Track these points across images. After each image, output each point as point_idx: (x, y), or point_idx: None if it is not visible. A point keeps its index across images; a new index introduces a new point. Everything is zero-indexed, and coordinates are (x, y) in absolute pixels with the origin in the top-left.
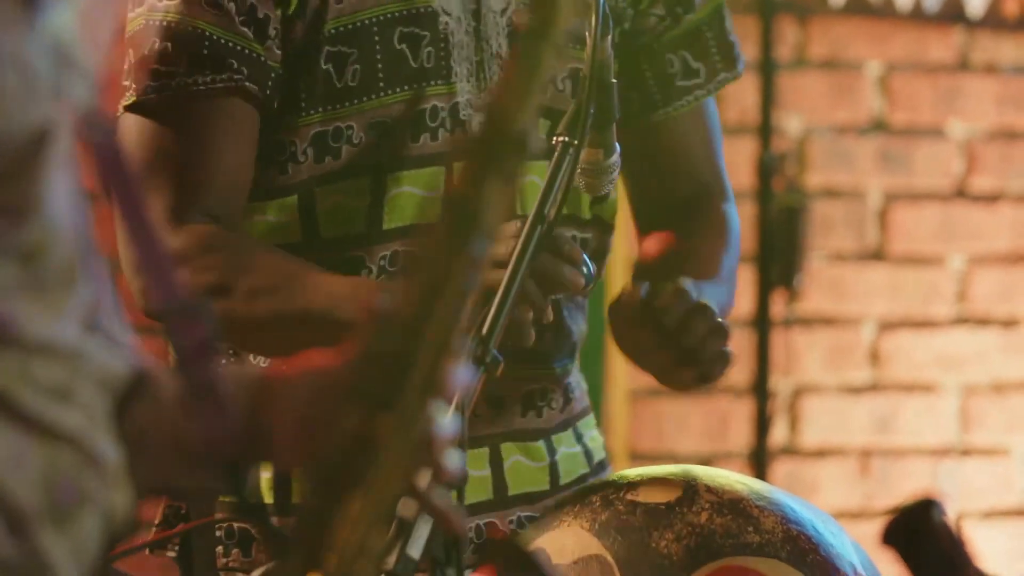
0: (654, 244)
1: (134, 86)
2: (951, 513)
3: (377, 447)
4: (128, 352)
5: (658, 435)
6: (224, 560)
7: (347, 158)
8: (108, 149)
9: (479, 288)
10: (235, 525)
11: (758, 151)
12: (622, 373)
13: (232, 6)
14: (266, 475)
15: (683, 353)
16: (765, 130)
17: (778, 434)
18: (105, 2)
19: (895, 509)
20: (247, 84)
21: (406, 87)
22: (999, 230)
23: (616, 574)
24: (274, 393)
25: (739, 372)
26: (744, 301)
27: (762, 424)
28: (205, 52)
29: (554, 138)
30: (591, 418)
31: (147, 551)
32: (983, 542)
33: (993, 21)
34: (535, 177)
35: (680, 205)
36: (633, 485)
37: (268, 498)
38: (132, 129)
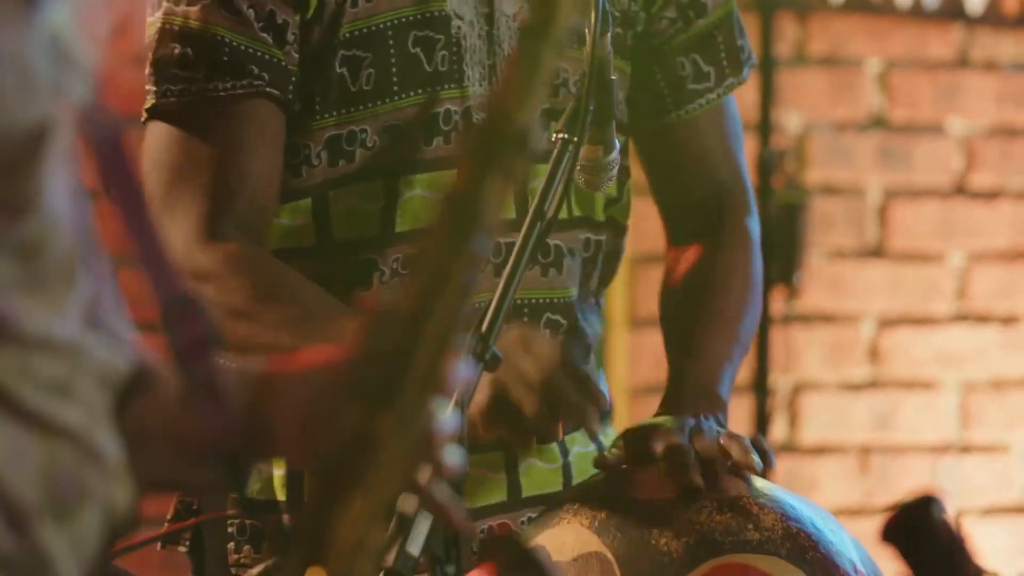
0: (679, 273)
1: (154, 89)
2: (951, 510)
3: (377, 444)
4: (129, 348)
5: None
6: (235, 556)
7: (360, 161)
8: (108, 145)
9: (478, 285)
10: (247, 521)
11: (758, 148)
12: (621, 370)
13: (251, 12)
14: (279, 472)
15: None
16: (765, 127)
17: (778, 431)
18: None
19: (895, 506)
20: (268, 89)
21: (420, 91)
22: (999, 227)
23: (616, 571)
24: (277, 390)
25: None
26: None
27: (761, 421)
28: (225, 59)
29: (553, 135)
30: (606, 414)
31: (158, 545)
32: (983, 539)
33: (993, 18)
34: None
35: (703, 209)
36: (633, 482)
37: (280, 495)
38: (159, 137)
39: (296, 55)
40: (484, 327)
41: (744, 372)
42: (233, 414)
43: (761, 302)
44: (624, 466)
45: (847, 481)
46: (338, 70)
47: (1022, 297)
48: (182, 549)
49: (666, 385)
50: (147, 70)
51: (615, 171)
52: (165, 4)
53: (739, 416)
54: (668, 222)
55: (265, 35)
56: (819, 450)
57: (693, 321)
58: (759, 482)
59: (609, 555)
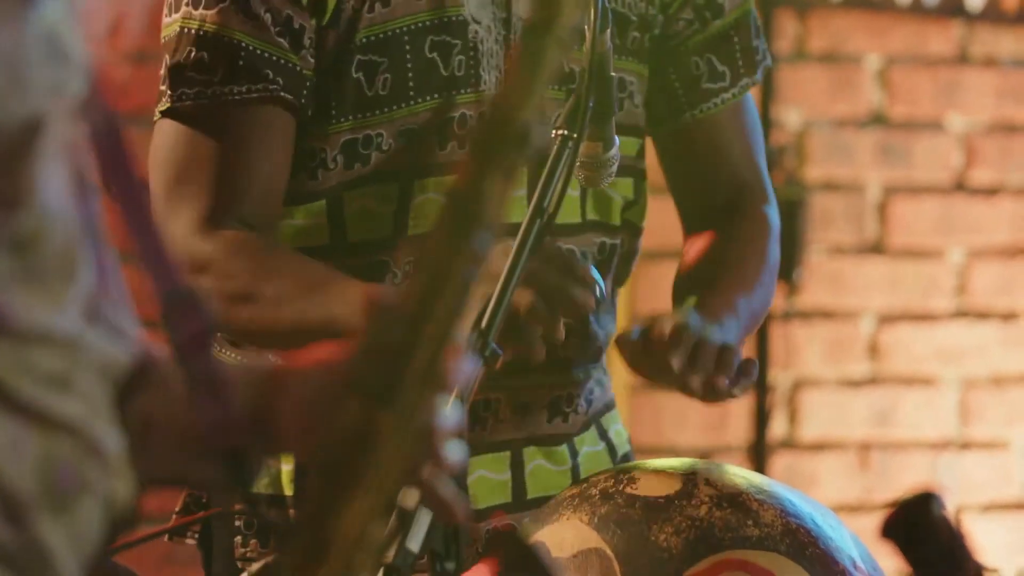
0: (694, 250)
1: (169, 92)
2: (950, 506)
3: (377, 439)
4: (131, 342)
5: (657, 429)
6: (242, 550)
7: (375, 164)
8: (106, 140)
9: (480, 281)
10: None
11: None
12: (621, 367)
13: (268, 17)
14: (287, 468)
15: (692, 388)
16: (764, 123)
17: (777, 427)
18: None
19: (894, 502)
20: (283, 94)
21: (436, 95)
22: (998, 223)
23: (615, 567)
24: (282, 386)
25: None
26: None
27: (761, 417)
28: (241, 63)
29: (553, 132)
30: (615, 412)
31: (166, 537)
32: (982, 535)
33: (992, 14)
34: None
35: (722, 206)
36: (632, 479)
37: (288, 490)
38: (167, 135)
39: (312, 60)
40: (484, 324)
41: None
42: (234, 409)
43: (775, 286)
44: (641, 346)
45: (847, 477)
46: (354, 75)
47: (1022, 293)
48: (191, 541)
49: None
50: (162, 72)
51: (615, 168)
52: (183, 7)
53: (739, 413)
54: (688, 223)
55: (281, 40)
56: (819, 446)
57: (704, 285)
58: (758, 478)
59: (609, 551)
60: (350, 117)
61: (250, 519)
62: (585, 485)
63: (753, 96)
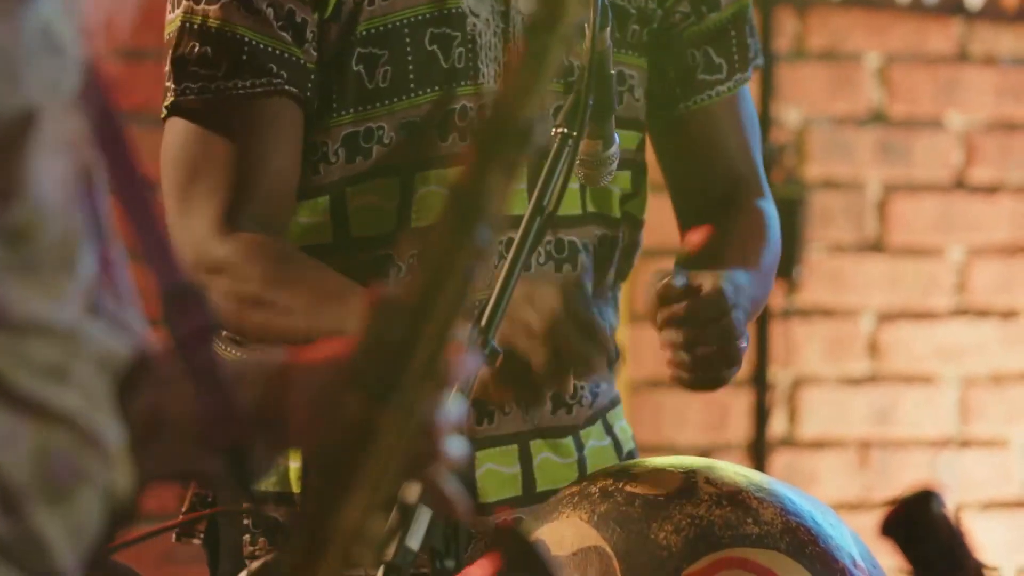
0: (693, 239)
1: (173, 87)
2: (950, 504)
3: (376, 434)
4: (134, 335)
5: (657, 427)
6: (250, 548)
7: (377, 158)
8: (106, 133)
9: (481, 277)
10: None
11: None
12: (622, 364)
13: (270, 11)
14: (294, 465)
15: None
16: (764, 121)
17: (777, 425)
18: None
19: (894, 500)
20: (287, 87)
21: (436, 88)
22: (998, 221)
23: (615, 565)
24: (291, 382)
25: None
26: None
27: (761, 415)
28: (244, 57)
29: (553, 130)
30: (620, 408)
31: (173, 537)
32: (982, 533)
33: (992, 13)
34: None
35: (718, 200)
36: (632, 476)
37: (296, 487)
38: (177, 134)
39: (315, 53)
40: (484, 321)
41: (744, 366)
42: (236, 403)
43: (775, 275)
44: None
45: (847, 475)
46: (355, 68)
47: (1022, 291)
48: (196, 541)
49: None
50: (166, 67)
51: (615, 166)
52: (185, 2)
53: (739, 410)
54: (683, 218)
55: (284, 34)
56: (818, 444)
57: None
58: (758, 476)
59: (608, 549)
60: (351, 110)
61: (257, 516)
62: (585, 483)
63: (753, 94)
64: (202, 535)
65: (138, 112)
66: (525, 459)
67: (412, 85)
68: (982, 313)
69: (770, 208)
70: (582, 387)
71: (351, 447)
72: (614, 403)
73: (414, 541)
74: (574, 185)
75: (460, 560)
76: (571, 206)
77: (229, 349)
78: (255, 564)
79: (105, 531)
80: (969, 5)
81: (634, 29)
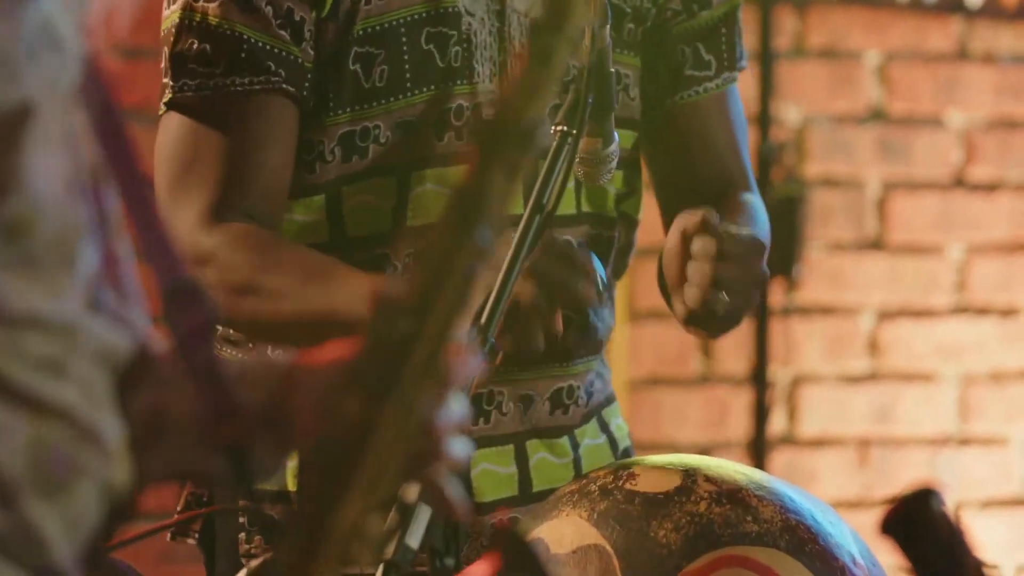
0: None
1: (171, 83)
2: (950, 502)
3: (375, 432)
4: (136, 332)
5: (657, 425)
6: (246, 547)
7: (373, 157)
8: (107, 130)
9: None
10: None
11: (757, 141)
12: (622, 363)
13: (269, 10)
14: (291, 463)
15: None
16: (764, 120)
17: (777, 424)
18: None
19: (894, 498)
20: (285, 86)
21: (432, 87)
22: (998, 219)
23: (615, 563)
24: (299, 382)
25: (738, 361)
26: None
27: (761, 414)
28: (243, 55)
29: (552, 127)
30: (616, 406)
31: (168, 536)
32: (982, 531)
33: (992, 10)
34: None
35: (705, 198)
36: (632, 474)
37: (292, 485)
38: (172, 129)
39: (312, 52)
40: (483, 319)
41: (743, 364)
42: (235, 401)
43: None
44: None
45: (846, 473)
46: (351, 67)
47: (1021, 289)
48: (192, 541)
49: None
50: (164, 63)
51: (614, 164)
52: None
53: (739, 408)
54: (668, 217)
55: (282, 32)
56: (818, 443)
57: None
58: (758, 474)
59: (608, 547)
60: (348, 109)
61: (253, 515)
62: (584, 481)
63: (753, 92)
64: (197, 534)
65: (137, 110)
66: (521, 459)
67: (408, 84)
68: (982, 311)
69: (759, 203)
70: (577, 386)
71: (349, 444)
72: (609, 400)
73: (414, 539)
74: (569, 184)
75: (460, 559)
76: (566, 205)
77: (224, 349)
78: (255, 562)
79: (103, 526)
80: (969, 3)
81: (629, 28)
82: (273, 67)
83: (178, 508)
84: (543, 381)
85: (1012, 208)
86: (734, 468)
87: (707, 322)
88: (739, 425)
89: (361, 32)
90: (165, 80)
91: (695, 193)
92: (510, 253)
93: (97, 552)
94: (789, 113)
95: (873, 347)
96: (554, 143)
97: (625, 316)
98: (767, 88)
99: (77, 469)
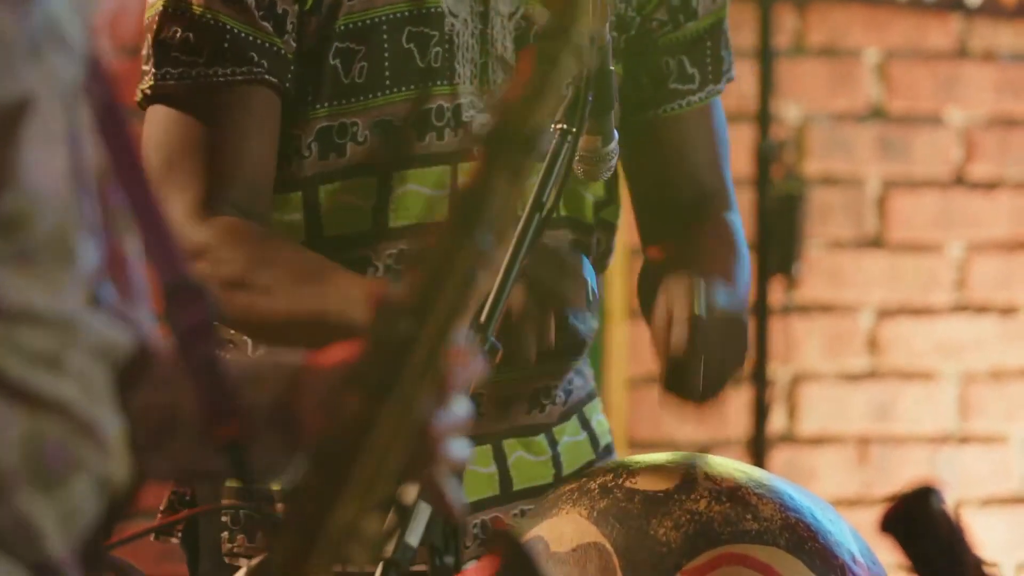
0: (654, 255)
1: (153, 70)
2: (949, 501)
3: (374, 432)
4: (139, 329)
5: (656, 423)
6: (229, 546)
7: (351, 157)
8: (109, 127)
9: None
10: (241, 511)
11: (756, 139)
12: (620, 361)
13: (252, 1)
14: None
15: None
16: (763, 118)
17: (776, 422)
18: None
19: (893, 497)
20: (267, 77)
21: (412, 86)
22: (998, 217)
23: (614, 561)
24: (304, 384)
25: None
26: None
27: (760, 412)
28: (226, 45)
29: (552, 126)
30: (597, 402)
31: (152, 537)
32: (981, 529)
33: (991, 8)
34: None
35: (683, 211)
36: (632, 473)
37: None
38: (156, 121)
39: (294, 44)
40: (483, 318)
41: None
42: (235, 399)
43: (750, 279)
44: None
45: (846, 471)
46: (331, 62)
47: (1021, 287)
48: (175, 540)
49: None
50: (145, 50)
51: (614, 162)
52: None
53: (738, 407)
54: (645, 230)
55: (265, 23)
56: (818, 440)
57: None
58: (758, 472)
59: (608, 545)
60: (326, 104)
61: (237, 514)
62: (584, 479)
63: (752, 90)
64: (180, 534)
65: (138, 109)
66: (500, 458)
67: (388, 82)
68: (982, 309)
69: (737, 220)
70: (555, 386)
71: (347, 444)
72: (591, 396)
73: (413, 538)
74: None
75: (459, 557)
76: None
77: (228, 350)
78: (254, 561)
79: (102, 522)
80: (968, 1)
81: (612, 36)
82: (256, 58)
83: (161, 508)
84: (523, 383)
85: (1012, 206)
86: (734, 466)
87: (685, 395)
88: (739, 423)
89: (343, 27)
90: (146, 67)
91: (672, 208)
92: (509, 252)
93: (97, 549)
94: (789, 111)
95: (873, 345)
96: (554, 141)
97: (625, 315)
98: (767, 86)
99: (74, 463)
